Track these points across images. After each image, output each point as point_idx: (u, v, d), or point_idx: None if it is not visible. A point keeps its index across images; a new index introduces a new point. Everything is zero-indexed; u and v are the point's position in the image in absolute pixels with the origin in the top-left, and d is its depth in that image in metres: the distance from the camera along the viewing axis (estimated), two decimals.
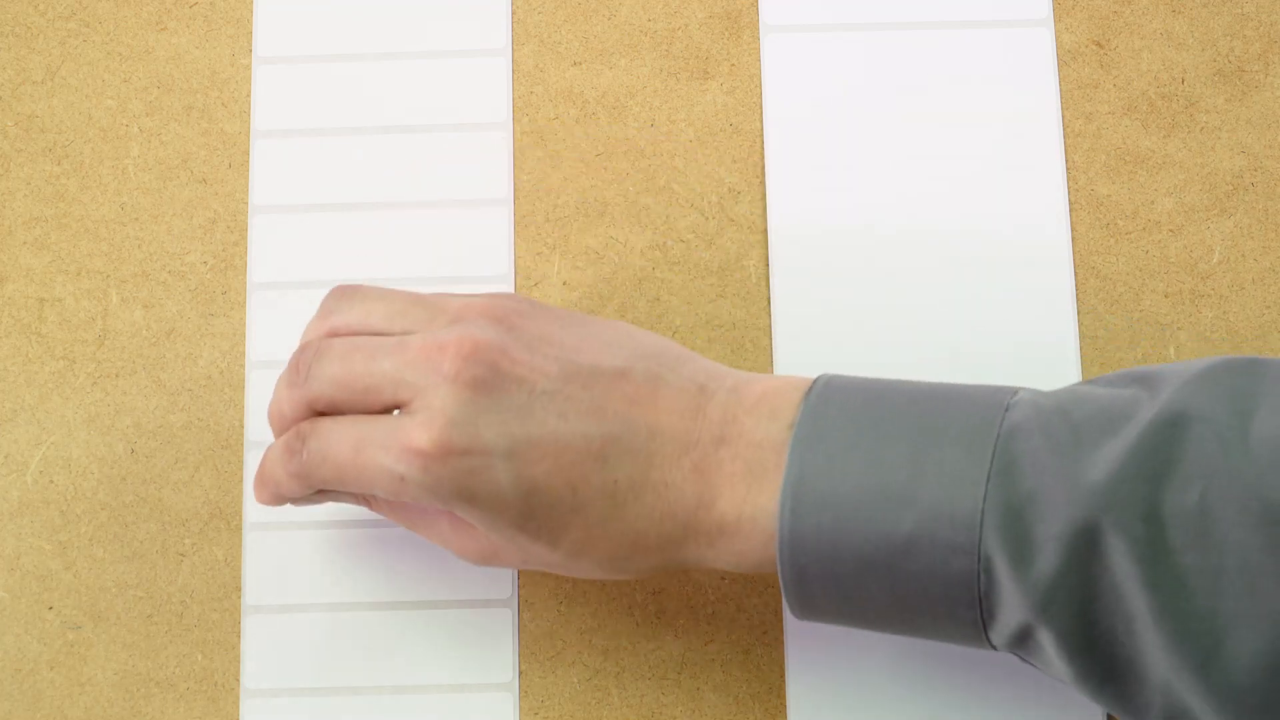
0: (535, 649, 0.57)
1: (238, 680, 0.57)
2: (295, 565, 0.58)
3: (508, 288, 0.59)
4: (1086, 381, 0.49)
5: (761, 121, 0.61)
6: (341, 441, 0.49)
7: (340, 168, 0.60)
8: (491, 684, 0.57)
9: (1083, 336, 0.59)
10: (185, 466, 0.58)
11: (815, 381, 0.49)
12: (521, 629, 0.57)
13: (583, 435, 0.48)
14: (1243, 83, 0.61)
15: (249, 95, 0.61)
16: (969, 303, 0.59)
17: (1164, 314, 0.59)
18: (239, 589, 0.57)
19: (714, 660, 0.57)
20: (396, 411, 0.50)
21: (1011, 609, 0.46)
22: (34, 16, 0.62)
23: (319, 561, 0.58)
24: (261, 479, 0.52)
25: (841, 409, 0.48)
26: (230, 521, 0.58)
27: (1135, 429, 0.45)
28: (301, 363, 0.51)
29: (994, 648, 0.48)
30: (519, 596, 0.57)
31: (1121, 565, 0.44)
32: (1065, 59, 0.61)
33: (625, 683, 0.57)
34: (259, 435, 0.58)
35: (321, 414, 0.50)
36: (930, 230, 0.60)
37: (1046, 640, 0.46)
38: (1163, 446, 0.45)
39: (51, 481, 0.58)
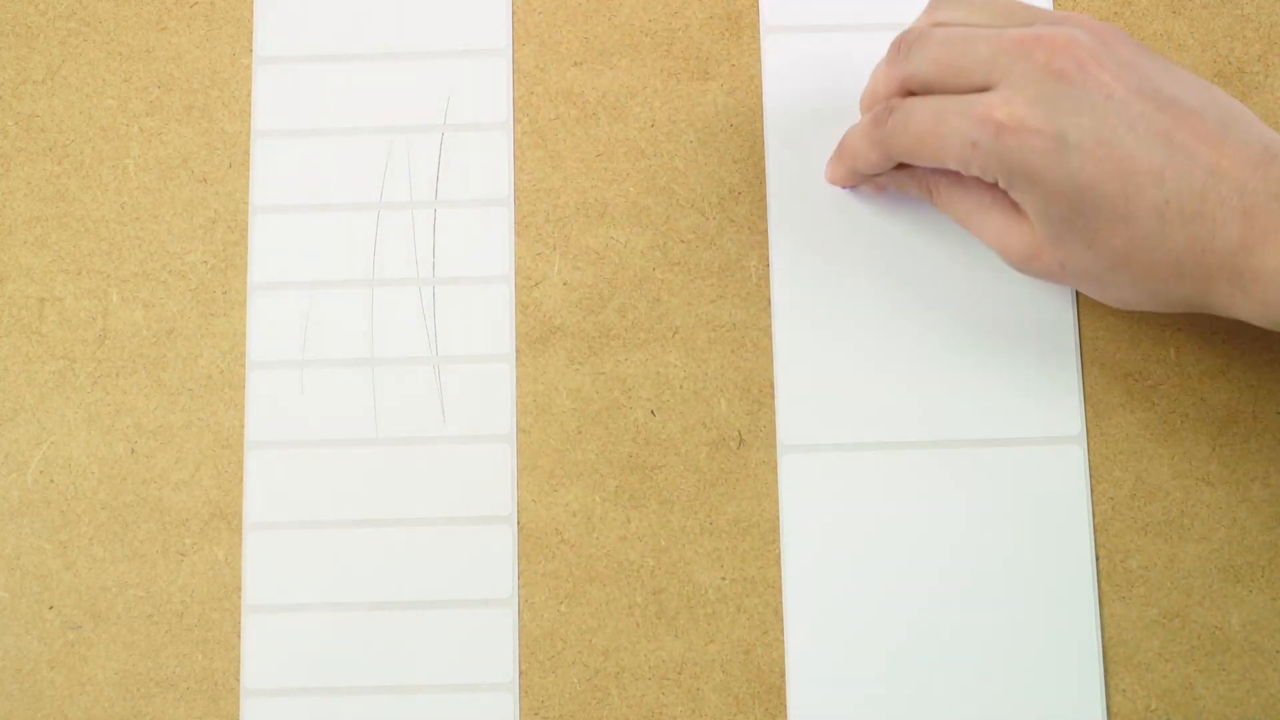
0: (535, 649, 0.57)
1: (238, 680, 0.57)
2: (295, 565, 0.58)
3: (508, 288, 0.59)
4: None
5: (761, 121, 0.61)
6: (924, 111, 0.54)
7: (340, 168, 0.60)
8: (491, 684, 0.57)
9: (1083, 336, 0.59)
10: (185, 466, 0.58)
11: None
12: (521, 629, 0.57)
13: (1146, 151, 0.51)
14: (1243, 83, 0.61)
15: (249, 95, 0.61)
16: (970, 301, 0.59)
17: (1165, 314, 0.59)
18: (239, 589, 0.57)
19: (714, 660, 0.57)
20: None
21: None
22: (34, 16, 0.62)
23: (319, 561, 0.58)
24: (840, 153, 0.58)
25: None
26: (230, 521, 0.58)
27: None
28: (904, 44, 0.55)
29: None
30: (519, 596, 0.57)
31: None
32: None
33: (625, 683, 0.57)
34: (259, 435, 0.58)
35: (912, 94, 0.55)
36: (931, 230, 0.60)
37: None
38: None
39: (51, 481, 0.58)
